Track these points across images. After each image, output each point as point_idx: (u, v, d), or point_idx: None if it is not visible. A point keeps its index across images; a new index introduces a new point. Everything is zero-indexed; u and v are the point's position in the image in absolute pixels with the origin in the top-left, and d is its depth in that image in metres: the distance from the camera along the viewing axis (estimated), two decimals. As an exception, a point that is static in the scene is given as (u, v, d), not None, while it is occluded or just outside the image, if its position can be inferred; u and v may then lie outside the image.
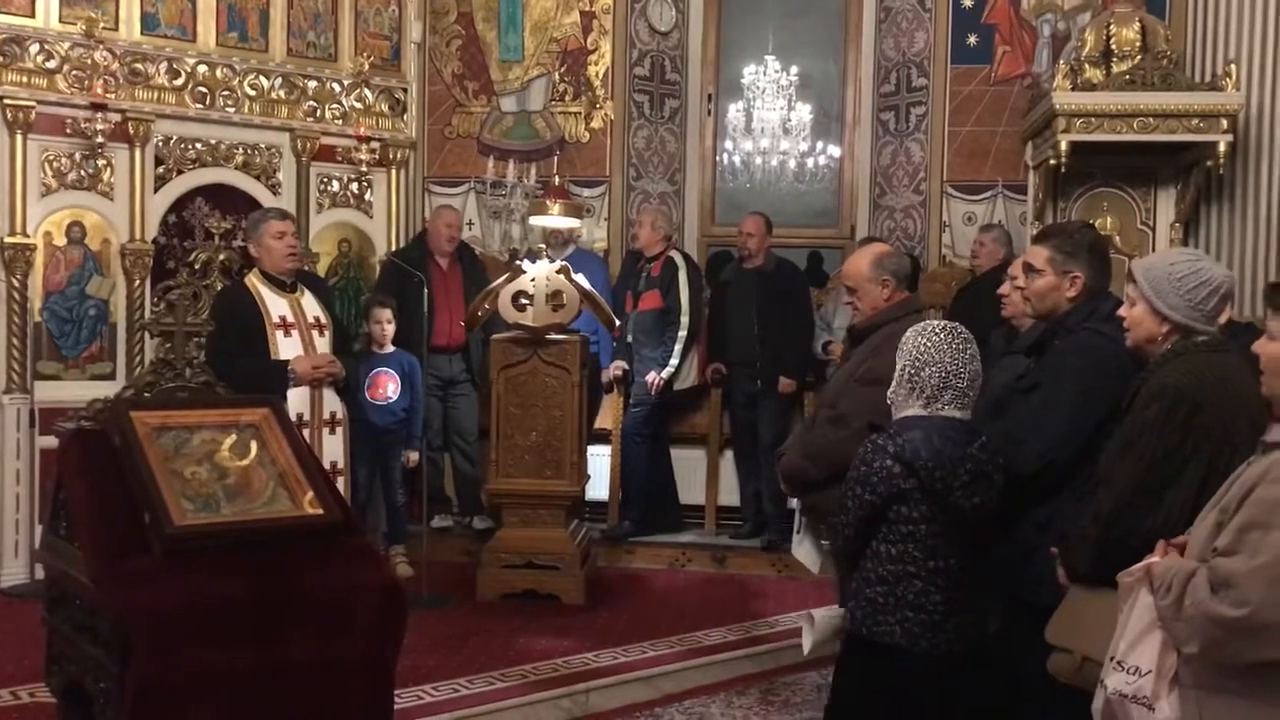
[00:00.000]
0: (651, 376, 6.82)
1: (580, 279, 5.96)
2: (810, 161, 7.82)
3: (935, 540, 2.94)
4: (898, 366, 3.03)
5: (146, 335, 6.07)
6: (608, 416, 7.14)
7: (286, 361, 5.11)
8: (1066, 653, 2.70)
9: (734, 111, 7.78)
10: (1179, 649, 2.17)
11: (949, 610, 2.94)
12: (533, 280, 5.82)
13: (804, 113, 7.74)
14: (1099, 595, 2.61)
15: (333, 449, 5.29)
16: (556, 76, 7.88)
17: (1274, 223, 6.70)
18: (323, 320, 5.31)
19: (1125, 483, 2.69)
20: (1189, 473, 2.61)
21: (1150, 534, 2.52)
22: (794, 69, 7.70)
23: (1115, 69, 6.56)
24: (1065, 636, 2.73)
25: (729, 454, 7.24)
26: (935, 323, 3.06)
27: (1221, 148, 6.26)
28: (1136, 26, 6.66)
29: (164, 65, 6.40)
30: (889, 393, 3.07)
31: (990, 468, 2.97)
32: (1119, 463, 2.73)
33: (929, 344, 2.97)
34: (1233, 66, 6.39)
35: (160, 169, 6.44)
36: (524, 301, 5.82)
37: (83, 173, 6.18)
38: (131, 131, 6.25)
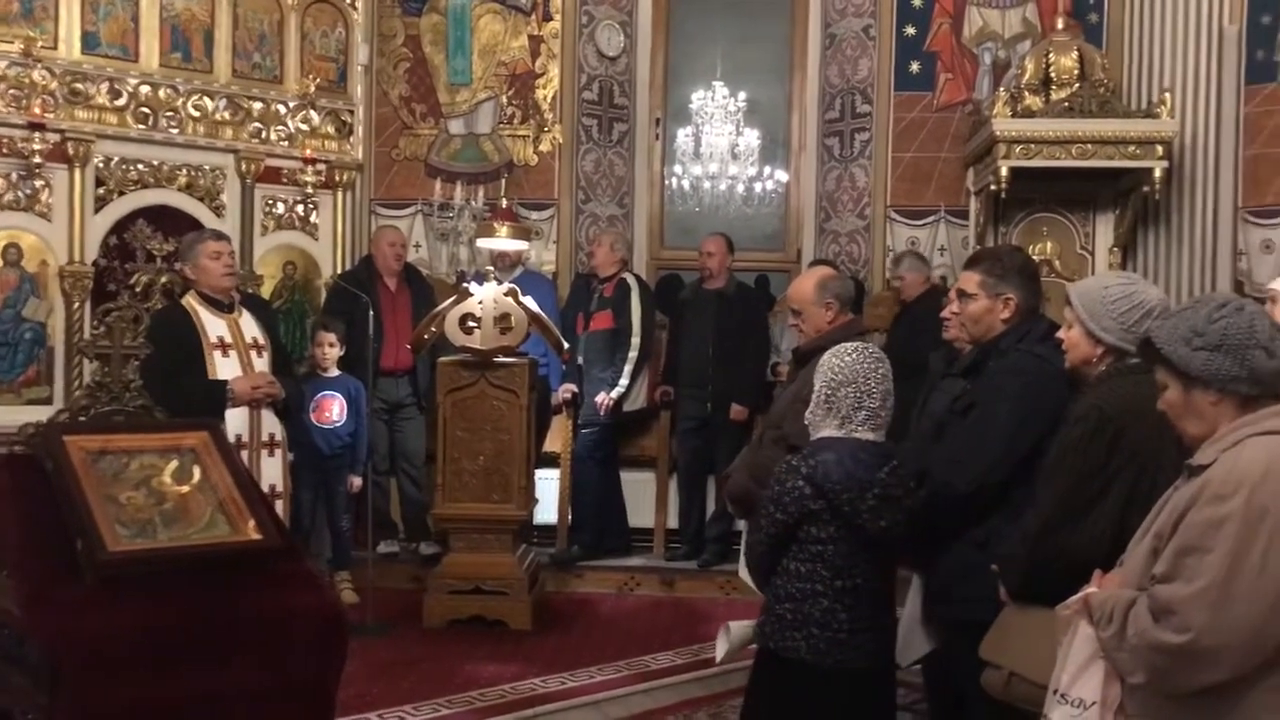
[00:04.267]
0: (601, 397, 6.81)
1: (529, 301, 5.94)
2: (758, 186, 7.88)
3: (843, 560, 3.00)
4: (815, 388, 3.10)
5: (85, 359, 5.98)
6: (556, 439, 7.11)
7: (225, 382, 5.05)
8: (997, 668, 2.73)
9: (683, 136, 7.83)
10: (1124, 679, 2.16)
11: (854, 628, 3.01)
12: (480, 303, 5.80)
13: (752, 138, 7.80)
14: (1027, 612, 2.65)
15: (271, 472, 5.21)
16: (504, 100, 7.88)
17: (1208, 246, 6.87)
18: (260, 341, 5.25)
19: (1051, 502, 2.72)
20: (1113, 493, 2.64)
21: (1076, 552, 2.55)
22: (742, 94, 7.77)
23: (1054, 96, 6.70)
24: (995, 652, 2.77)
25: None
26: (849, 344, 3.13)
27: (1157, 174, 6.42)
28: (1075, 55, 6.81)
29: (105, 85, 6.32)
30: (807, 414, 3.13)
31: (899, 491, 3.03)
32: (1047, 482, 2.77)
33: (843, 364, 3.04)
34: (1168, 94, 6.55)
35: (101, 190, 6.35)
36: (471, 324, 5.79)
37: (20, 194, 6.08)
38: (71, 152, 6.17)
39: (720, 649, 3.35)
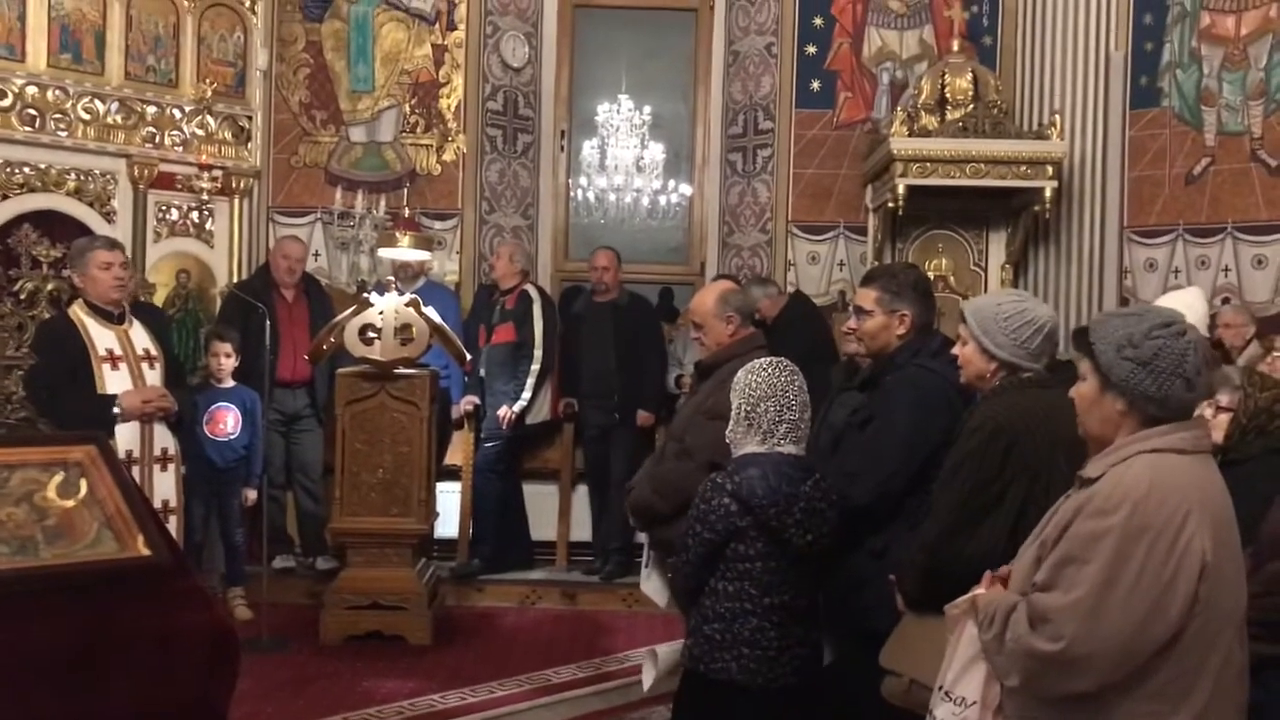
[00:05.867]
0: (503, 410, 6.76)
1: (431, 312, 5.88)
2: (663, 199, 7.94)
3: (771, 577, 3.02)
4: (733, 405, 3.11)
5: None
6: (458, 452, 7.04)
7: (114, 396, 4.88)
8: (898, 676, 2.78)
9: (588, 148, 7.85)
10: (1001, 681, 2.22)
11: (784, 645, 3.02)
12: (381, 313, 5.72)
13: (656, 151, 7.85)
14: (927, 620, 2.70)
15: (164, 487, 5.07)
16: (408, 108, 7.80)
17: (1096, 264, 7.12)
18: (153, 352, 5.09)
19: (948, 511, 2.79)
20: (1008, 501, 2.72)
21: (972, 560, 2.61)
22: (647, 108, 7.81)
23: (949, 116, 6.88)
24: (896, 660, 2.82)
25: (581, 489, 7.22)
26: (762, 360, 3.16)
27: (1048, 193, 6.61)
28: (969, 76, 7.00)
29: (-12, 85, 6.11)
30: (727, 431, 3.14)
31: (823, 504, 3.06)
32: (943, 492, 2.83)
33: (760, 380, 3.07)
34: (1057, 117, 6.78)
35: (-17, 193, 6.13)
36: (371, 335, 5.71)
37: (-104, 196, 5.84)
38: (-49, 153, 5.95)
39: (647, 676, 3.31)
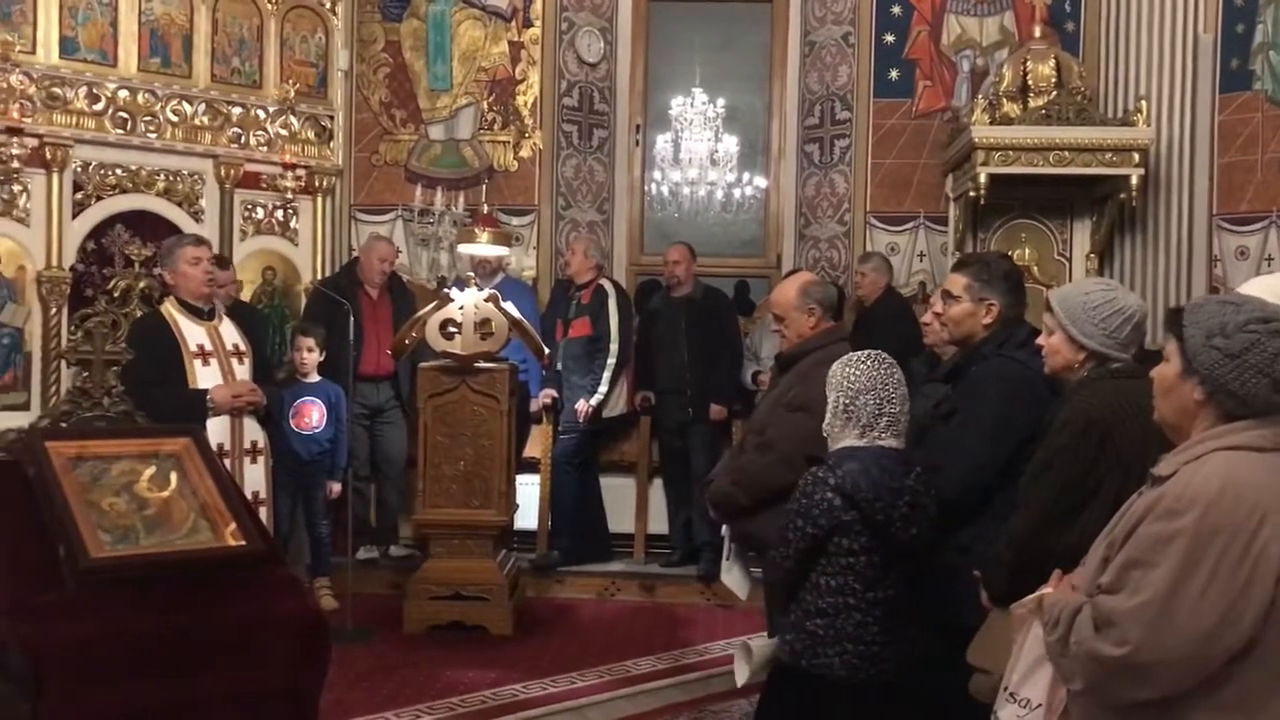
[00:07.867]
0: (581, 404, 6.81)
1: (509, 307, 5.94)
2: (737, 192, 7.91)
3: (874, 572, 2.98)
4: (830, 399, 3.07)
5: (63, 364, 5.95)
6: (536, 445, 7.10)
7: (205, 391, 5.00)
8: (985, 673, 2.74)
9: (662, 142, 7.85)
10: (1066, 685, 2.15)
11: (886, 640, 2.98)
12: (461, 308, 5.80)
13: (731, 144, 7.83)
14: (1015, 617, 2.66)
15: (254, 479, 5.18)
16: (485, 106, 7.87)
17: (1183, 252, 6.94)
18: (242, 348, 5.20)
19: (1039, 506, 2.74)
20: (1101, 496, 2.65)
21: (1063, 556, 2.56)
22: (721, 101, 7.79)
23: (1032, 104, 6.75)
24: (984, 657, 2.77)
25: (658, 482, 7.24)
26: (860, 353, 3.11)
27: (1134, 181, 6.46)
28: (1052, 63, 6.87)
29: (83, 90, 6.30)
30: (824, 425, 3.10)
31: (926, 499, 3.02)
32: (1033, 486, 2.78)
33: (858, 373, 3.03)
34: (1143, 102, 6.62)
35: (79, 195, 6.33)
36: (452, 330, 5.79)
37: (-3, 198, 6.05)
38: (49, 156, 6.14)
39: (741, 671, 3.21)
